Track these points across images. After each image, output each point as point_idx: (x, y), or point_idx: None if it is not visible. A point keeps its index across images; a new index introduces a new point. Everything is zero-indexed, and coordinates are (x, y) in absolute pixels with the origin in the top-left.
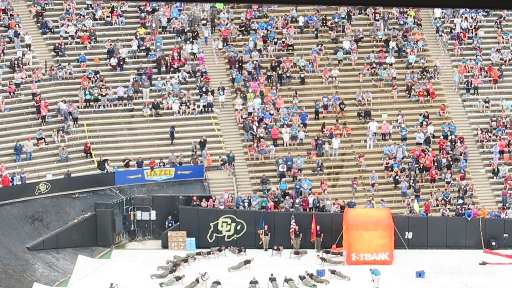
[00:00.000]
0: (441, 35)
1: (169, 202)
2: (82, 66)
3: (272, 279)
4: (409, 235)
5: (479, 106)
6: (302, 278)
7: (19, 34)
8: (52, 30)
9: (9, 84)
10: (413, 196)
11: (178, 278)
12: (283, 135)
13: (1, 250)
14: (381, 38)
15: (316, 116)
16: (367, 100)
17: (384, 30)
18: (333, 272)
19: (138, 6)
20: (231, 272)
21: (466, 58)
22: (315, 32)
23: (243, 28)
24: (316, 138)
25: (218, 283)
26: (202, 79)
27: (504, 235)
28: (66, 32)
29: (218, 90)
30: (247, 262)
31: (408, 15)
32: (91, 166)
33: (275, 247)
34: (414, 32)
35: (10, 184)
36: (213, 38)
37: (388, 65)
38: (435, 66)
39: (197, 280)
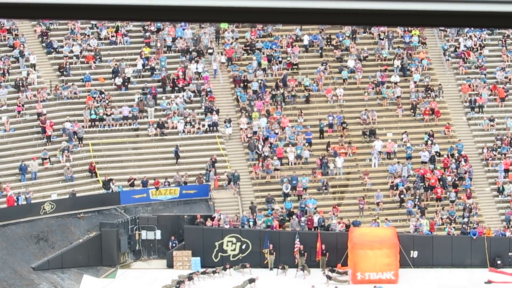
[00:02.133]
0: (448, 59)
1: (174, 222)
2: (87, 86)
3: None
4: (414, 254)
5: (484, 124)
6: None
7: (24, 54)
8: (57, 50)
9: (19, 104)
10: (418, 215)
11: None
12: (288, 154)
13: (6, 270)
14: (385, 57)
15: (321, 135)
16: (372, 119)
17: (388, 48)
18: None
19: (142, 26)
20: None
21: (471, 77)
22: (320, 51)
23: (247, 48)
24: (321, 157)
25: None
26: (207, 98)
27: (510, 253)
28: (71, 52)
29: (225, 122)
30: (252, 281)
31: (412, 33)
32: (96, 185)
33: (280, 266)
34: (418, 51)
35: (15, 204)
36: (218, 52)
37: (393, 83)
38: (439, 84)
39: None
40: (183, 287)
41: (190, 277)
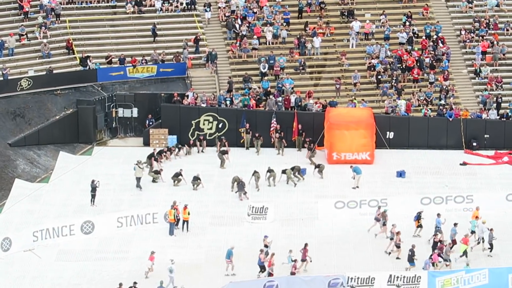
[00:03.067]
0: None
1: (151, 100)
2: None
3: (255, 173)
4: (390, 135)
5: (462, 6)
6: (284, 171)
7: None
8: None
9: None
10: (395, 96)
11: (157, 172)
12: (266, 34)
13: None
14: None
15: (299, 15)
16: None
17: None
18: (317, 166)
19: None
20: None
21: None
22: None
23: None
24: (298, 36)
25: (198, 178)
26: None
27: (485, 135)
28: None
29: (204, 6)
30: (224, 152)
31: None
32: (73, 62)
33: (257, 134)
34: None
35: None
36: None
37: None
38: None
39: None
40: (159, 164)
41: (161, 152)
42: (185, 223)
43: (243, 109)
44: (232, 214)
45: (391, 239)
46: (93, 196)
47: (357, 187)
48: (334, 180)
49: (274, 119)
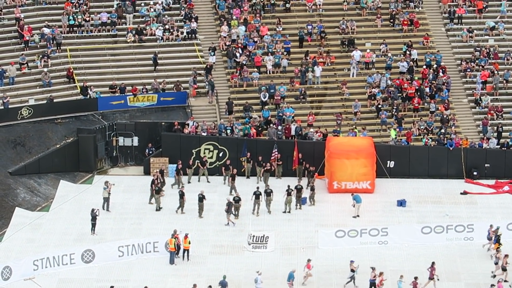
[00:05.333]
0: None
1: (151, 128)
2: None
3: (257, 194)
4: (391, 164)
5: (463, 35)
6: (289, 193)
7: None
8: None
9: None
10: (395, 125)
11: (158, 191)
12: (266, 63)
13: None
14: None
15: (300, 44)
16: (351, 29)
17: None
18: (312, 188)
19: None
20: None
21: None
22: None
23: None
24: (299, 66)
25: (203, 197)
26: (186, 5)
27: (486, 165)
28: None
29: (209, 50)
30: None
31: None
32: (73, 91)
33: (260, 158)
34: None
35: None
36: None
37: None
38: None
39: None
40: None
41: (161, 171)
42: (186, 252)
43: (244, 138)
44: (233, 243)
45: (496, 263)
46: (94, 225)
47: (358, 216)
48: (335, 209)
49: (276, 149)
